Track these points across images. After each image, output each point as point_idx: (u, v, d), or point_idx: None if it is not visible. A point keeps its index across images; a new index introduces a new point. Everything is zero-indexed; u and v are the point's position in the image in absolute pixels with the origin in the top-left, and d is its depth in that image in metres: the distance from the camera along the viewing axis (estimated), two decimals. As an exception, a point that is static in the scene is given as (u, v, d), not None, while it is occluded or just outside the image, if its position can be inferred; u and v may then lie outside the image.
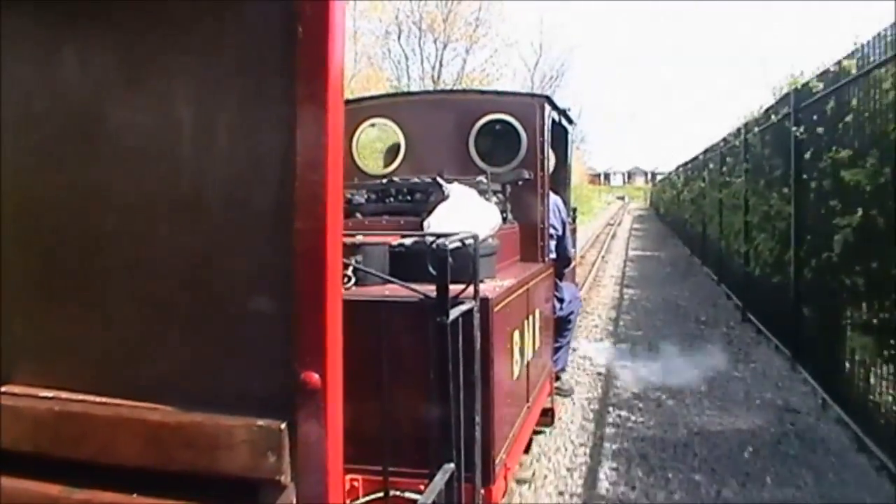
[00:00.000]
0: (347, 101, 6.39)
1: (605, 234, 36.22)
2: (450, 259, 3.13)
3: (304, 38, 1.68)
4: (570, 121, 7.48)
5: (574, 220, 8.03)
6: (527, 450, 5.80)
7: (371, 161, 6.71)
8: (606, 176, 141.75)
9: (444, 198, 4.57)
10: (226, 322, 1.84)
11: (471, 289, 3.36)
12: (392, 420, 3.44)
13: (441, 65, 38.90)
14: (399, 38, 37.03)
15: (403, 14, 36.55)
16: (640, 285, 17.54)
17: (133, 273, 1.94)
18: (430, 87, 36.11)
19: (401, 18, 36.55)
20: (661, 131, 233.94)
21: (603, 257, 24.36)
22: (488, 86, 37.77)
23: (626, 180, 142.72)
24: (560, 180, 7.14)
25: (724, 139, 15.84)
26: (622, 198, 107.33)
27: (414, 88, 35.91)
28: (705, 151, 19.75)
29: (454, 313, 3.14)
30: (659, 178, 68.68)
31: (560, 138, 7.02)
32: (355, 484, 3.58)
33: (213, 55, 1.87)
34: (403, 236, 4.09)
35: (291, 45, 1.69)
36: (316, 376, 1.68)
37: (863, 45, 6.35)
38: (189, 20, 1.90)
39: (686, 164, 27.60)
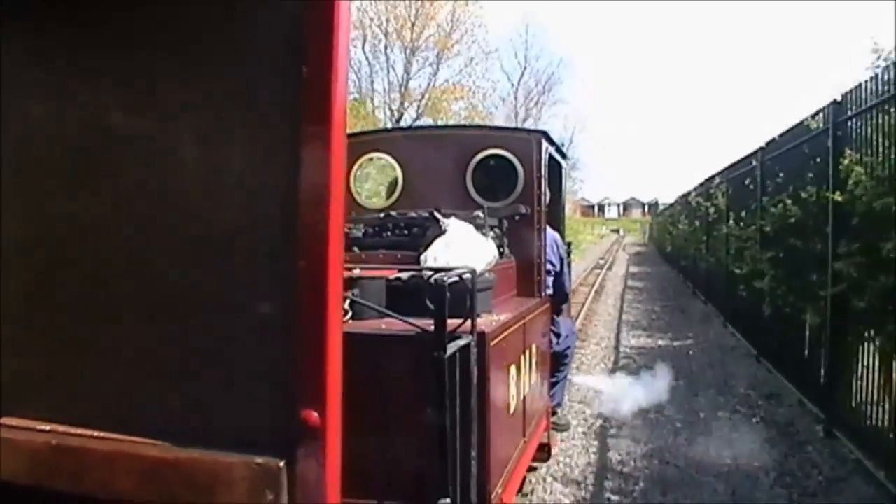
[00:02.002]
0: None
1: (589, 284, 23.34)
2: (448, 294, 3.14)
3: (309, 78, 1.70)
4: (563, 155, 7.53)
5: (569, 253, 8.07)
6: (520, 489, 5.76)
7: (368, 194, 6.73)
8: (601, 207, 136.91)
9: (441, 232, 4.59)
10: (226, 359, 1.84)
11: (467, 323, 3.37)
12: (388, 453, 3.43)
13: (408, 75, 34.58)
14: (364, 45, 32.81)
15: (368, 18, 32.16)
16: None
17: (134, 309, 1.95)
18: (396, 99, 34.10)
19: (365, 23, 32.07)
20: (662, 161, 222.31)
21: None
22: (462, 98, 34.92)
23: (622, 212, 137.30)
24: (554, 214, 7.17)
25: None
26: (617, 230, 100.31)
27: (378, 100, 33.81)
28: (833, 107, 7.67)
29: (451, 348, 3.14)
30: (662, 206, 54.36)
31: (554, 173, 7.06)
32: (350, 518, 3.56)
33: (217, 93, 1.89)
34: (400, 270, 4.10)
35: (296, 84, 1.71)
36: (315, 415, 1.68)
37: None
38: (194, 57, 1.92)
39: (733, 166, 14.67)
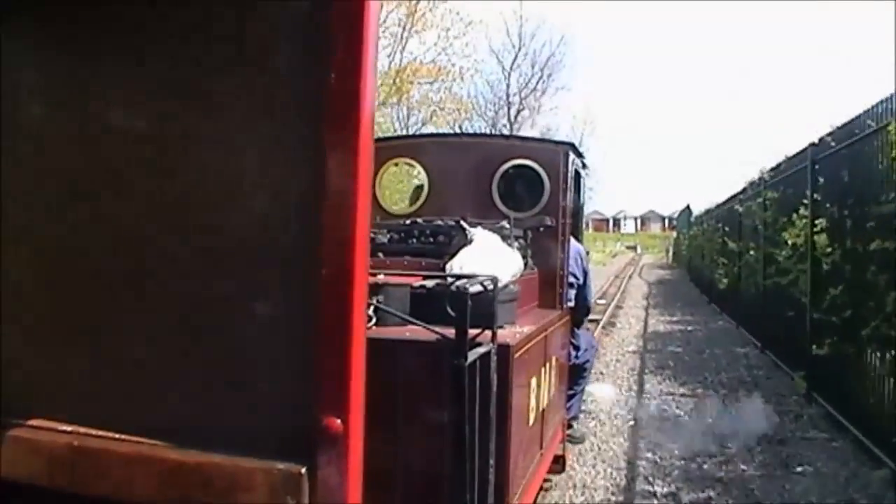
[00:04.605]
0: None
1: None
2: (469, 302, 3.13)
3: (335, 84, 1.69)
4: (584, 166, 7.55)
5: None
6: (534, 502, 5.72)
7: (394, 199, 6.75)
8: (616, 222, 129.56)
9: (467, 241, 4.58)
10: (247, 364, 1.84)
11: (489, 332, 3.35)
12: (407, 460, 3.42)
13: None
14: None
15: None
16: None
17: (154, 313, 1.94)
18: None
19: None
20: (685, 171, 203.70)
21: None
22: (440, 81, 29.55)
23: (640, 226, 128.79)
24: (574, 225, 7.17)
25: None
26: (633, 247, 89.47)
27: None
28: None
29: (472, 356, 3.13)
30: (698, 214, 33.87)
31: (577, 184, 7.07)
32: (368, 525, 3.55)
33: (241, 100, 1.89)
34: (425, 278, 4.10)
35: (322, 91, 1.70)
36: (338, 421, 1.67)
37: None
38: (217, 65, 1.91)
39: None
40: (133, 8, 1.98)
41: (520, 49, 43.04)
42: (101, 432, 1.91)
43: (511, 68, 42.92)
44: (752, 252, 15.10)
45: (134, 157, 1.98)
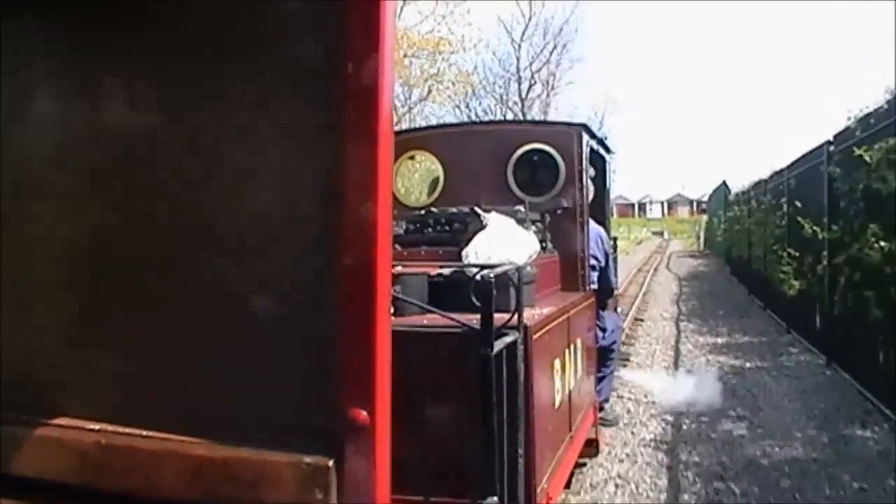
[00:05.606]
0: None
1: None
2: (495, 292, 3.12)
3: (354, 74, 1.68)
4: (607, 149, 7.51)
5: (615, 248, 8.03)
6: (568, 485, 5.72)
7: (411, 192, 6.75)
8: (641, 206, 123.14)
9: (481, 227, 4.58)
10: (273, 357, 1.83)
11: (512, 319, 3.34)
12: (432, 449, 3.42)
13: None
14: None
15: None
16: None
17: (179, 308, 1.94)
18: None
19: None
20: (714, 152, 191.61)
21: None
22: (439, 54, 27.43)
23: (667, 211, 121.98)
24: (599, 210, 7.14)
25: None
26: (660, 233, 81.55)
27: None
28: None
29: (499, 345, 3.12)
30: (740, 190, 25.92)
31: (597, 167, 7.04)
32: (397, 513, 3.55)
33: (260, 91, 1.88)
34: (442, 266, 4.10)
35: (340, 81, 1.69)
36: (364, 413, 1.66)
37: None
38: (235, 55, 1.91)
39: None
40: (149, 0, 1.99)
41: (530, 18, 39.63)
42: (128, 429, 1.92)
43: (521, 39, 39.60)
44: (878, 242, 7.79)
45: (151, 151, 1.98)
